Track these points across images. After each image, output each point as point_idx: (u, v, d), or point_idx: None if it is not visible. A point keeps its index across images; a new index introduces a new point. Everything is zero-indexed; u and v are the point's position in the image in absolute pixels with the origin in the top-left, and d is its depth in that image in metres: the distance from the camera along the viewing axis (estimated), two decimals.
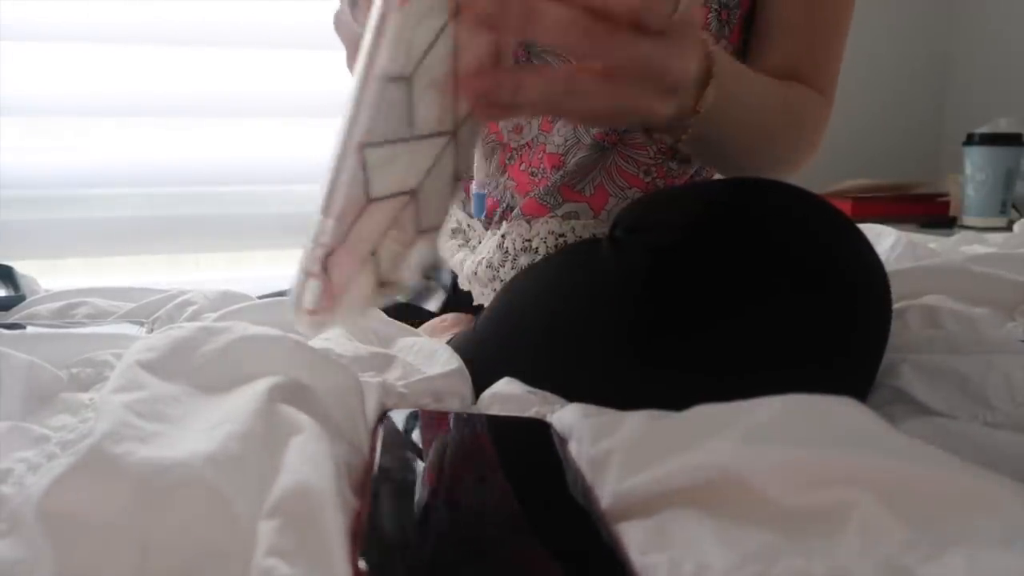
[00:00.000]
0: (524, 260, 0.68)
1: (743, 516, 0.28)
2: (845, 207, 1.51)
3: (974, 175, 1.53)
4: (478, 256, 0.72)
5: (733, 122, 0.50)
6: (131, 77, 1.36)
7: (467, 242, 0.77)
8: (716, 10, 0.64)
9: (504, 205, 0.72)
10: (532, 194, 0.69)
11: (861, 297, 0.43)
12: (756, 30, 0.68)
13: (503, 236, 0.69)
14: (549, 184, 0.67)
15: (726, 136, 0.51)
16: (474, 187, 0.75)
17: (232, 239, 1.46)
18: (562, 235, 0.67)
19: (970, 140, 1.55)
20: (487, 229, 0.74)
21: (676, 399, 0.36)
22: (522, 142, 0.70)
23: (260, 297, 0.70)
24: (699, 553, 0.27)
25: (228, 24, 1.39)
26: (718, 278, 0.42)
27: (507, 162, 0.71)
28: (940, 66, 1.93)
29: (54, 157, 1.36)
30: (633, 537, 0.29)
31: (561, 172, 0.67)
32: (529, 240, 0.68)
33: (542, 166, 0.68)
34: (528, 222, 0.68)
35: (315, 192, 0.34)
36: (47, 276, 0.81)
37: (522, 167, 0.70)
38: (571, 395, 0.43)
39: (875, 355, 0.45)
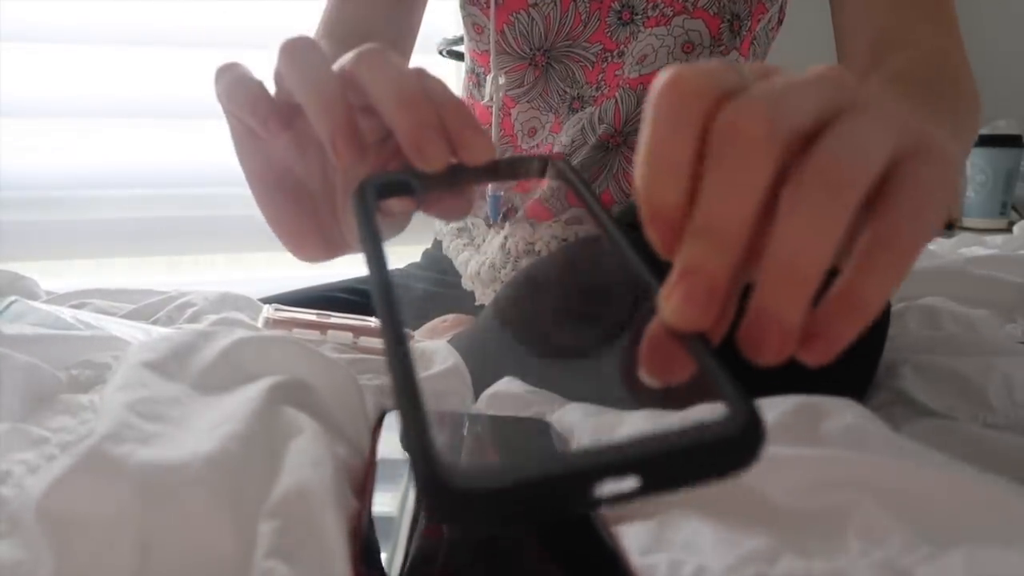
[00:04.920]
0: (526, 262, 0.68)
1: (743, 516, 0.28)
2: None
3: (974, 176, 1.53)
4: (482, 256, 0.72)
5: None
6: (131, 78, 1.36)
7: (471, 241, 0.76)
8: (728, 20, 0.65)
9: (508, 204, 0.72)
10: (536, 195, 0.69)
11: None
12: (840, 26, 0.63)
13: (506, 237, 0.69)
14: (555, 186, 0.67)
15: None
16: (489, 188, 0.74)
17: (232, 240, 1.46)
18: (565, 239, 0.67)
19: None
20: (490, 228, 0.74)
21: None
22: (533, 144, 0.70)
23: (262, 300, 0.70)
24: (699, 554, 0.27)
25: (229, 25, 1.39)
26: None
27: None
28: None
29: (54, 158, 1.36)
30: (633, 537, 0.29)
31: None
32: (532, 243, 0.68)
33: None
34: (532, 225, 0.69)
35: None
36: (47, 277, 0.81)
37: None
38: (571, 392, 0.43)
39: (873, 356, 0.45)
